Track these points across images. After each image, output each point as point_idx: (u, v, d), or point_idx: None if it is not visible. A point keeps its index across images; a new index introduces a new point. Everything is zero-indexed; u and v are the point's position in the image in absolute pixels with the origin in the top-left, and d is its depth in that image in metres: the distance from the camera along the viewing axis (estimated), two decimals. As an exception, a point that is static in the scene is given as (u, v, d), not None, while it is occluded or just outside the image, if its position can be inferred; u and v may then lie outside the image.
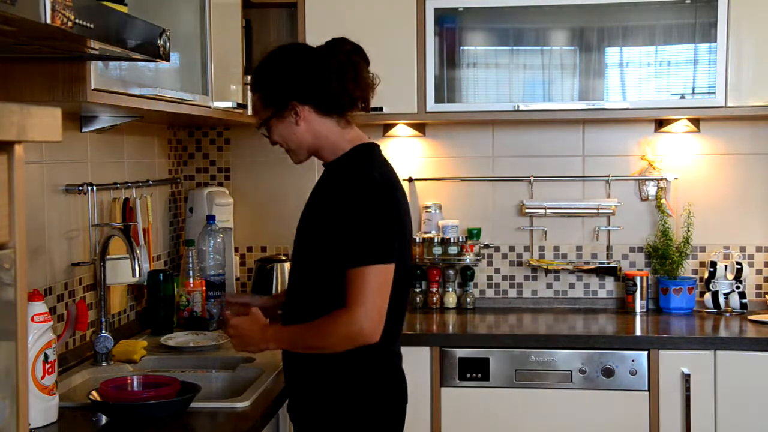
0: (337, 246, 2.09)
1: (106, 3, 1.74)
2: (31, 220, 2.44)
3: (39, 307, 2.06)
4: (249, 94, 2.79)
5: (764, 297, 3.59)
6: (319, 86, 2.15)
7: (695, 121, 3.55)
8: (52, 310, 2.52)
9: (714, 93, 3.28)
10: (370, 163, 2.18)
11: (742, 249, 3.61)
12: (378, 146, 2.28)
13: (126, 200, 2.96)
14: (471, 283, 3.67)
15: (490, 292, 3.74)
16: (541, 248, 3.71)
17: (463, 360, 3.13)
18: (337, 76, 2.15)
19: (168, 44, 2.00)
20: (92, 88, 2.02)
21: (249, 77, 2.41)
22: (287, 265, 3.48)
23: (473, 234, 3.67)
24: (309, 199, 2.26)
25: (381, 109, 3.36)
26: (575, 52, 3.41)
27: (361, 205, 2.08)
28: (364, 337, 2.06)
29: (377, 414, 2.21)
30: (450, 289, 3.67)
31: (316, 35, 3.37)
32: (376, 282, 2.06)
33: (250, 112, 2.24)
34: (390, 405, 2.25)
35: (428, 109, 3.38)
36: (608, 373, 3.08)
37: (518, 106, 3.35)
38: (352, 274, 2.06)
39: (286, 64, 2.18)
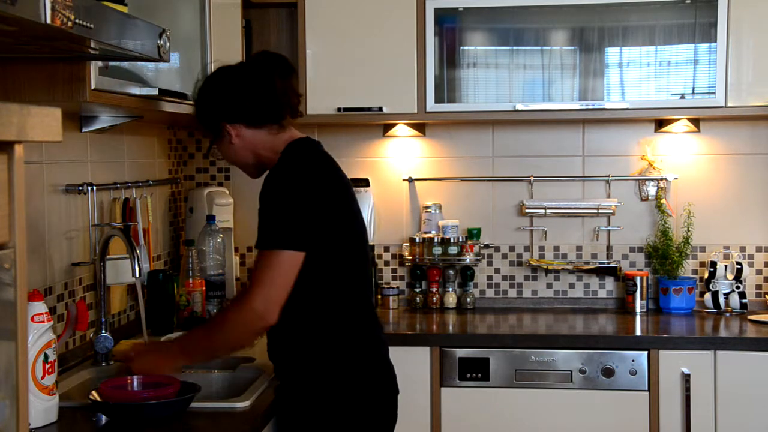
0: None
1: (106, 3, 1.74)
2: (31, 220, 2.44)
3: (39, 307, 2.05)
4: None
5: (764, 297, 3.59)
6: (239, 104, 2.27)
7: (695, 121, 3.55)
8: (52, 310, 2.52)
9: (714, 93, 3.28)
10: (297, 156, 2.24)
11: (742, 249, 3.61)
12: (311, 140, 2.33)
13: (126, 200, 2.96)
14: (471, 283, 3.67)
15: (490, 292, 3.74)
16: (541, 248, 3.71)
17: (463, 360, 3.13)
18: (252, 91, 2.26)
19: (168, 44, 2.00)
20: (92, 88, 2.02)
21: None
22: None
23: (473, 234, 3.67)
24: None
25: (381, 109, 3.36)
26: (575, 52, 3.41)
27: (275, 192, 2.14)
28: (258, 316, 2.10)
29: (367, 404, 2.24)
30: (450, 289, 3.67)
31: (316, 35, 3.38)
32: (279, 270, 2.10)
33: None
34: (380, 395, 2.28)
35: (428, 109, 3.38)
36: (608, 373, 3.08)
37: (518, 107, 3.35)
38: (257, 258, 2.15)
39: (211, 91, 2.31)
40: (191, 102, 2.66)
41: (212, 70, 2.36)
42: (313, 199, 2.15)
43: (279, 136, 2.29)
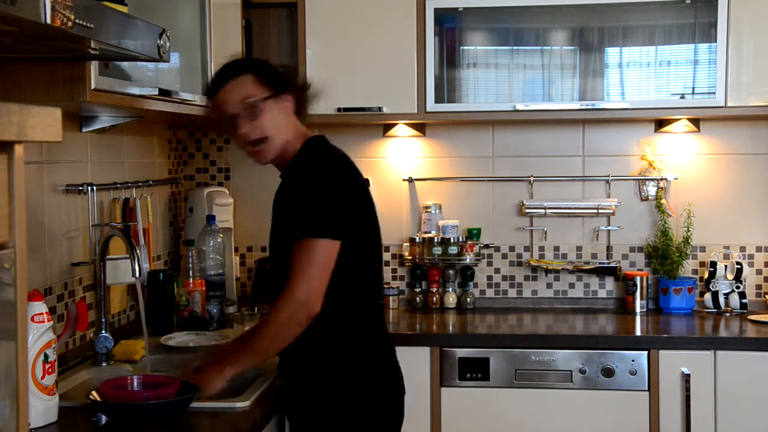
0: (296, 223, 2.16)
1: (106, 3, 1.74)
2: (31, 220, 2.44)
3: (39, 307, 2.05)
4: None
5: (764, 297, 3.59)
6: (302, 87, 2.32)
7: (695, 121, 3.55)
8: (52, 310, 2.52)
9: (714, 93, 3.28)
10: (326, 148, 2.28)
11: (742, 249, 3.61)
12: (326, 138, 2.36)
13: (126, 200, 2.96)
14: (471, 283, 3.67)
15: (490, 292, 3.74)
16: (541, 248, 3.71)
17: (463, 360, 3.13)
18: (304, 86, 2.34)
19: (168, 44, 2.00)
20: (92, 88, 2.02)
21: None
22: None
23: (473, 234, 3.67)
24: (275, 202, 2.32)
25: (381, 109, 3.36)
26: (575, 52, 3.41)
27: (312, 182, 2.16)
28: (302, 305, 2.11)
29: (375, 404, 2.25)
30: (450, 289, 3.67)
31: (316, 35, 3.38)
32: (320, 258, 2.11)
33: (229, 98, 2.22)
34: (387, 395, 2.29)
35: (428, 109, 3.38)
36: (608, 373, 3.08)
37: (518, 107, 3.35)
38: (297, 247, 2.13)
39: (274, 63, 2.33)
40: (192, 102, 2.67)
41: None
42: (346, 190, 2.19)
43: (300, 129, 2.32)
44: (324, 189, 2.15)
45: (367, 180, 2.18)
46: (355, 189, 2.23)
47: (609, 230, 3.68)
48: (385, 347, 2.33)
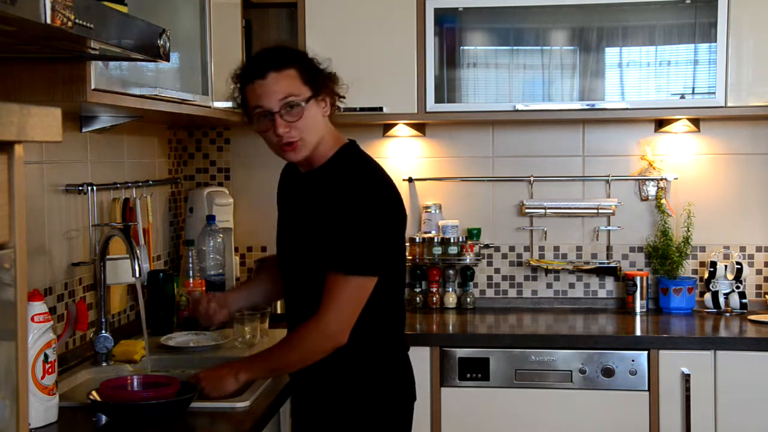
0: (335, 248, 2.10)
1: (106, 3, 1.74)
2: (31, 220, 2.44)
3: (39, 307, 2.05)
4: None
5: (764, 297, 3.59)
6: (339, 91, 2.23)
7: (695, 121, 3.55)
8: (52, 310, 2.52)
9: (714, 93, 3.27)
10: (368, 164, 2.21)
11: (742, 249, 3.61)
12: (357, 145, 2.31)
13: (126, 200, 2.96)
14: (471, 283, 3.67)
15: (490, 292, 3.74)
16: (541, 248, 3.71)
17: (463, 360, 3.13)
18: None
19: (168, 44, 2.00)
20: (92, 88, 2.01)
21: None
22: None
23: (473, 234, 3.67)
24: (301, 202, 2.26)
25: (381, 109, 3.36)
26: (575, 52, 3.41)
27: (360, 213, 2.10)
28: (330, 336, 2.10)
29: (387, 408, 2.24)
30: (450, 289, 3.67)
31: (316, 35, 3.38)
32: (356, 294, 2.10)
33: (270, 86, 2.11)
34: (400, 399, 2.28)
35: (428, 109, 3.38)
36: (608, 373, 3.08)
37: (518, 107, 3.35)
38: (335, 279, 2.09)
39: (319, 62, 2.24)
40: (192, 101, 2.67)
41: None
42: (391, 225, 2.16)
43: (333, 131, 2.25)
44: (371, 224, 2.10)
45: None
46: (398, 220, 2.18)
47: (609, 230, 3.68)
48: (401, 355, 2.31)
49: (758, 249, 3.62)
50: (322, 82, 2.18)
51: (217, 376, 2.21)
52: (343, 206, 2.11)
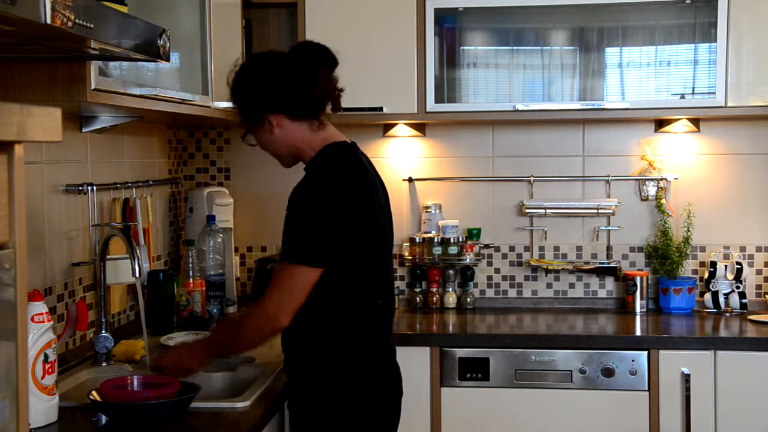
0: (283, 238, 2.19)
1: (106, 3, 1.74)
2: (31, 220, 2.44)
3: (39, 307, 2.05)
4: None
5: (764, 297, 3.59)
6: (284, 94, 2.22)
7: (695, 121, 3.55)
8: (52, 310, 2.52)
9: (714, 93, 3.27)
10: (328, 165, 2.22)
11: (742, 249, 3.61)
12: (350, 144, 2.30)
13: (126, 200, 2.96)
14: (471, 283, 3.67)
15: (490, 292, 3.74)
16: (541, 248, 3.71)
17: (463, 360, 3.13)
18: (298, 83, 2.22)
19: (168, 44, 2.00)
20: (92, 88, 2.01)
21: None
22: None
23: (473, 234, 3.67)
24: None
25: (381, 109, 3.36)
26: (575, 52, 3.41)
27: (302, 204, 2.16)
28: (270, 318, 2.18)
29: (373, 404, 2.27)
30: (450, 289, 3.67)
31: (316, 35, 3.36)
32: (296, 280, 2.15)
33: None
34: (386, 397, 2.31)
35: (428, 109, 3.38)
36: (608, 373, 3.08)
37: (518, 107, 3.35)
38: (279, 266, 2.20)
39: (254, 77, 2.25)
40: (192, 102, 2.67)
41: (249, 58, 2.37)
42: (337, 216, 2.14)
43: (318, 134, 2.26)
44: (313, 214, 2.13)
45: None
46: (350, 211, 2.16)
47: (609, 230, 3.68)
48: (385, 350, 2.33)
49: (758, 249, 3.62)
50: (255, 112, 2.25)
51: (183, 362, 2.32)
52: (293, 200, 2.18)
